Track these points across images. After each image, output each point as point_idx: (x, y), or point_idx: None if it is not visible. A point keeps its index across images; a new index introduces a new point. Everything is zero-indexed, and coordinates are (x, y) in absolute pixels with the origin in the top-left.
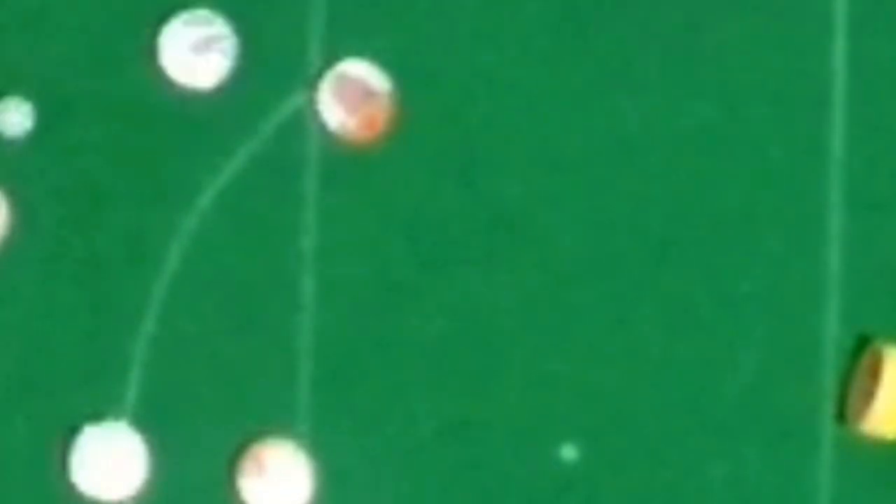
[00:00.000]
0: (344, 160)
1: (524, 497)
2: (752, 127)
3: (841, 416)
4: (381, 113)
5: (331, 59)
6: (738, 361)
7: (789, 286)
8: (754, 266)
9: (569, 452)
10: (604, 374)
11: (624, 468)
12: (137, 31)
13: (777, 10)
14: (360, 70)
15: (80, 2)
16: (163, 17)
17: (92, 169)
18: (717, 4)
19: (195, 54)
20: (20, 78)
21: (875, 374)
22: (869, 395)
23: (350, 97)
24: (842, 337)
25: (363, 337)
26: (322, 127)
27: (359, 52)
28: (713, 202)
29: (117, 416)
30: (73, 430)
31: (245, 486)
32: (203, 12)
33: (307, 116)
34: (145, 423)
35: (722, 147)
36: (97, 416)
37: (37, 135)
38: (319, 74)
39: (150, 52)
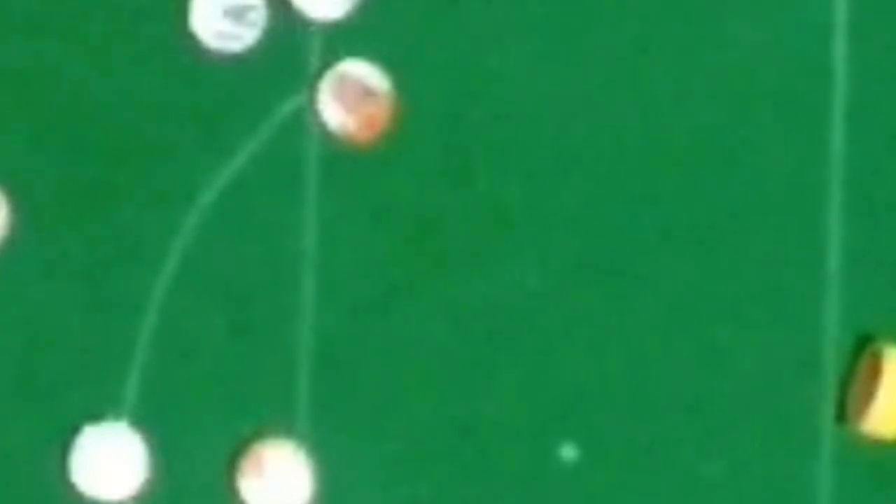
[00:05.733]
0: (344, 160)
1: (524, 497)
2: (752, 127)
3: (841, 416)
4: (381, 113)
5: (331, 59)
6: (738, 361)
7: (789, 286)
8: (754, 266)
9: (569, 452)
10: (604, 374)
11: (624, 468)
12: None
13: (777, 10)
14: (360, 70)
15: None
16: None
17: (92, 169)
18: (718, 5)
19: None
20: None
21: (875, 374)
22: (869, 395)
23: (350, 97)
24: (842, 337)
25: (363, 337)
26: (322, 127)
27: (359, 52)
28: (713, 202)
29: (117, 416)
30: (73, 430)
31: (245, 486)
32: None
33: (307, 116)
34: (145, 423)
35: (722, 147)
36: (97, 416)
37: (37, 134)
38: (319, 74)
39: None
